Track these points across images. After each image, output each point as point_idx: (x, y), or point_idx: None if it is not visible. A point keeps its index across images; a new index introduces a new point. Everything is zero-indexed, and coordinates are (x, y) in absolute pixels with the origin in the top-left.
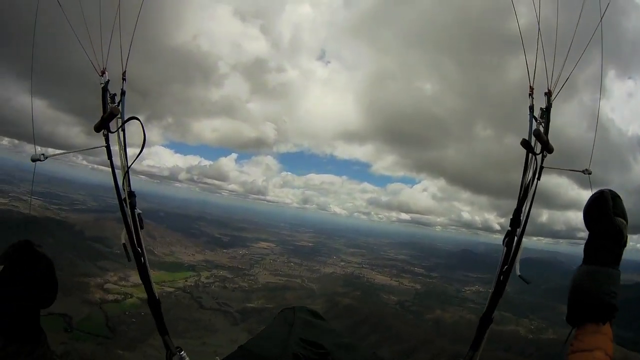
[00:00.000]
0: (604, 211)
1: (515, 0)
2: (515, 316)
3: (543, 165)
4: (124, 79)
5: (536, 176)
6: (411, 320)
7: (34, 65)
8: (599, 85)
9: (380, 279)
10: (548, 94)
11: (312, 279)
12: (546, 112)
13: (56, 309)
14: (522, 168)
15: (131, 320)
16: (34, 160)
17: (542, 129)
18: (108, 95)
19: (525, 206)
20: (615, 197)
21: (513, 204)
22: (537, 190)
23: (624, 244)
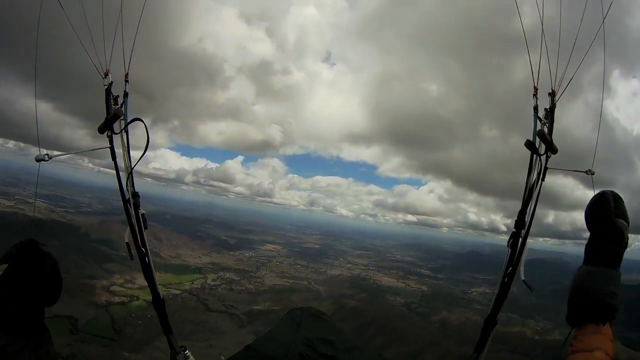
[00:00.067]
0: (605, 213)
1: (519, 0)
2: (522, 317)
3: (547, 166)
4: (126, 81)
5: (540, 177)
6: (417, 322)
7: (39, 69)
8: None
9: (387, 280)
10: (552, 94)
11: (319, 281)
12: (550, 113)
13: (62, 311)
14: (527, 169)
15: (137, 322)
16: (38, 160)
17: (546, 130)
18: (111, 97)
19: (530, 207)
20: (616, 198)
21: (519, 205)
22: (542, 191)
23: (624, 245)
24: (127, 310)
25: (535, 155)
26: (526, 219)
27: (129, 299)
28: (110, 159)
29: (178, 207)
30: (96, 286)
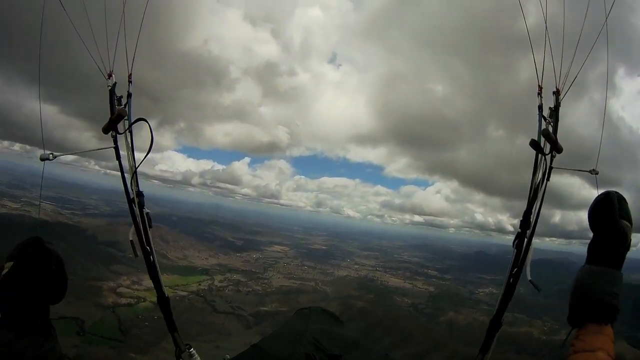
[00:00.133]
0: (609, 213)
1: (522, 0)
2: (529, 317)
3: (552, 165)
4: (130, 81)
5: (545, 177)
6: (424, 322)
7: (44, 71)
8: (608, 83)
9: (394, 281)
10: (556, 93)
11: (326, 282)
12: (555, 112)
13: (69, 312)
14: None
15: (144, 323)
16: (42, 159)
17: (551, 129)
18: (115, 97)
19: (535, 207)
20: (621, 199)
21: (525, 204)
22: (548, 191)
23: (628, 246)
24: (133, 311)
25: (540, 155)
26: (531, 219)
27: (135, 300)
28: (116, 160)
29: (185, 209)
30: (103, 288)
